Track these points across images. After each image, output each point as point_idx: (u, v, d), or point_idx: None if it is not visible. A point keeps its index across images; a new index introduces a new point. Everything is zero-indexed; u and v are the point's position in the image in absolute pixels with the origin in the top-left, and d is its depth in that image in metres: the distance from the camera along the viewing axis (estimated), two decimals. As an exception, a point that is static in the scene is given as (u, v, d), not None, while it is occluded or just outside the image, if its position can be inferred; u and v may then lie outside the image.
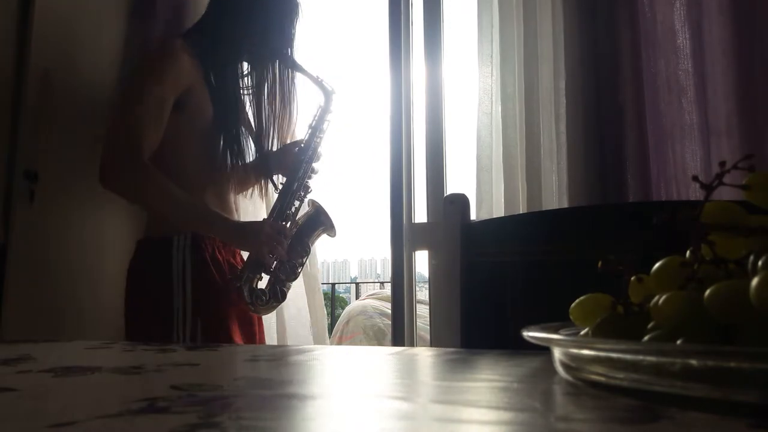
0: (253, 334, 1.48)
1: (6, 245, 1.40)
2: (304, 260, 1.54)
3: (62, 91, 1.53)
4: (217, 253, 1.44)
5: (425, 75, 1.59)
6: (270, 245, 1.44)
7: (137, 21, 1.71)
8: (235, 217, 1.54)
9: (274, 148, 1.60)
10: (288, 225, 1.51)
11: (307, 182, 1.55)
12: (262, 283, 1.49)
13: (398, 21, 1.63)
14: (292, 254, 1.50)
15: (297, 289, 1.78)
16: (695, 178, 0.38)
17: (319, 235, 1.56)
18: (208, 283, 1.38)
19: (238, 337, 1.40)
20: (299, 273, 1.54)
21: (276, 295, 1.47)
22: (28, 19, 1.47)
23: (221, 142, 1.46)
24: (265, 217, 1.55)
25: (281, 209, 1.51)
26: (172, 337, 1.33)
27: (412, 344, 1.57)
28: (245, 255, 1.51)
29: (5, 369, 0.46)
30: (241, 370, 0.47)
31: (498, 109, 1.53)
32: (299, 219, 1.54)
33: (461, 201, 0.95)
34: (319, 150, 1.58)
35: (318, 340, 1.80)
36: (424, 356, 0.54)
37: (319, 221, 1.54)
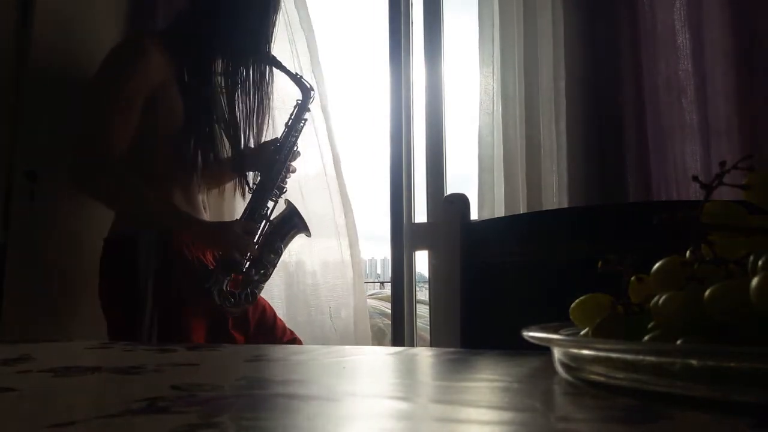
0: (226, 333, 1.45)
1: (6, 245, 1.40)
2: (276, 261, 1.52)
3: (62, 92, 1.53)
4: (186, 250, 1.41)
5: (425, 75, 1.59)
6: (239, 246, 1.43)
7: (137, 21, 1.71)
8: (204, 216, 1.52)
9: (251, 144, 1.58)
10: (261, 225, 1.49)
11: (281, 182, 1.53)
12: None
13: (398, 21, 1.63)
14: (263, 255, 1.48)
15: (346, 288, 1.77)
16: (695, 178, 0.38)
17: (292, 237, 1.54)
18: (171, 282, 1.37)
19: (200, 338, 1.38)
20: (271, 274, 1.52)
21: (247, 297, 1.45)
22: (28, 19, 1.47)
23: (192, 141, 1.44)
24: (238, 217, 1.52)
25: (253, 209, 1.49)
26: (140, 336, 1.31)
27: (412, 344, 1.57)
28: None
29: (5, 369, 0.46)
30: (242, 370, 0.47)
31: (499, 109, 1.53)
32: (274, 219, 1.51)
33: (461, 201, 0.95)
34: (295, 149, 1.56)
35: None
36: (424, 356, 0.54)
37: (292, 222, 1.52)
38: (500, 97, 1.53)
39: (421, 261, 1.57)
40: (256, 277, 1.47)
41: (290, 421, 0.29)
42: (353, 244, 1.76)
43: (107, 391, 0.39)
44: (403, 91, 1.61)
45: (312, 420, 0.30)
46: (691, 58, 1.34)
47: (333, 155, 1.76)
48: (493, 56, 1.56)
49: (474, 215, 0.99)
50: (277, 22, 1.54)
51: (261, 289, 1.50)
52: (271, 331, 1.55)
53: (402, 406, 0.32)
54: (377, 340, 2.64)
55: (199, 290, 1.40)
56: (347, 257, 1.76)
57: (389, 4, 1.65)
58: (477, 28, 1.58)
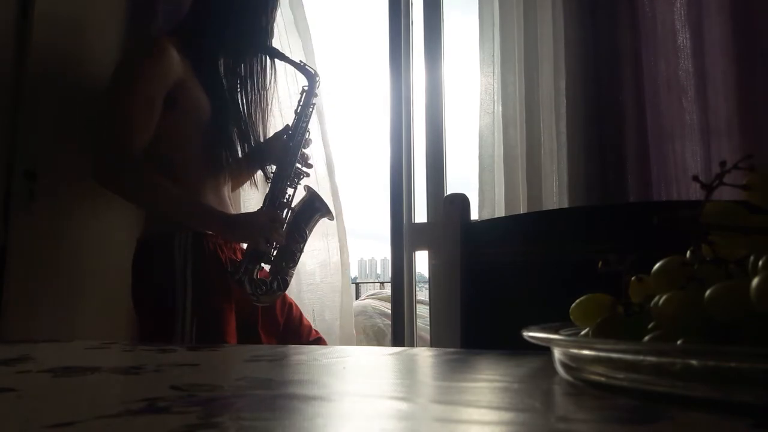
0: (255, 333, 1.47)
1: (6, 245, 1.40)
2: (303, 246, 1.53)
3: (62, 91, 1.53)
4: (219, 251, 1.43)
5: (425, 75, 1.59)
6: (266, 234, 1.44)
7: (137, 21, 1.71)
8: (231, 211, 1.54)
9: (261, 139, 1.59)
10: (283, 212, 1.50)
11: (298, 168, 1.54)
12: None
13: (398, 21, 1.63)
14: (289, 241, 1.49)
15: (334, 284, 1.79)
16: (695, 178, 0.38)
17: (316, 221, 1.55)
18: (208, 282, 1.38)
19: (233, 338, 1.40)
20: (298, 260, 1.53)
21: (278, 284, 1.47)
22: (28, 19, 1.47)
23: (217, 138, 1.46)
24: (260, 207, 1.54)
25: (273, 197, 1.50)
26: (175, 337, 1.33)
27: (412, 344, 1.57)
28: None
29: (5, 369, 0.46)
30: (242, 371, 0.47)
31: (499, 108, 1.53)
32: (295, 206, 1.53)
33: (461, 201, 0.95)
34: (307, 134, 1.57)
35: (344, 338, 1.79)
36: (424, 356, 0.54)
37: (314, 207, 1.53)
38: (500, 96, 1.53)
39: (421, 261, 1.57)
40: (284, 264, 1.48)
41: (290, 421, 0.29)
42: (342, 247, 1.77)
43: (107, 391, 0.39)
44: (403, 91, 1.61)
45: (312, 420, 0.30)
46: (691, 58, 1.34)
47: (326, 157, 1.77)
48: (493, 56, 1.56)
49: (474, 215, 0.99)
50: (275, 16, 1.56)
51: (291, 276, 1.51)
52: (297, 330, 1.56)
53: (402, 406, 0.32)
54: (377, 340, 2.64)
55: (232, 289, 1.41)
56: (335, 259, 1.76)
57: (389, 4, 1.65)
58: (477, 27, 1.58)
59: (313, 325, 1.64)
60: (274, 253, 1.47)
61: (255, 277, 1.43)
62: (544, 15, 1.47)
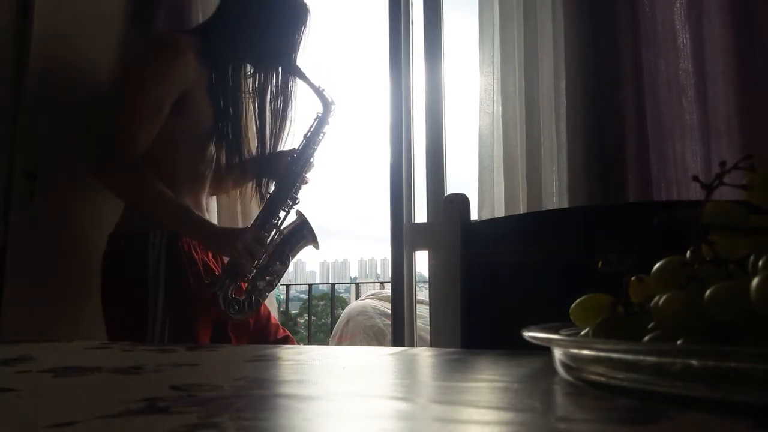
0: (225, 335, 1.46)
1: (6, 245, 1.40)
2: (283, 272, 1.53)
3: (62, 92, 1.53)
4: (193, 251, 1.42)
5: (425, 75, 1.59)
6: (249, 254, 1.43)
7: (138, 21, 1.71)
8: (206, 216, 1.53)
9: (268, 153, 1.59)
10: (271, 234, 1.50)
11: (295, 193, 1.54)
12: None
13: (398, 21, 1.63)
14: (271, 264, 1.49)
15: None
16: (695, 178, 0.38)
17: (301, 248, 1.55)
18: (182, 283, 1.37)
19: (205, 339, 1.39)
20: (276, 284, 1.53)
21: (250, 304, 1.46)
22: (28, 19, 1.47)
23: (215, 142, 1.46)
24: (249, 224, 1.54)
25: (265, 218, 1.50)
26: (146, 336, 1.32)
27: (412, 344, 1.57)
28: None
29: (5, 369, 0.46)
30: (241, 371, 0.47)
31: (499, 109, 1.53)
32: (284, 229, 1.53)
33: (461, 201, 0.95)
34: (311, 161, 1.56)
35: None
36: (424, 356, 0.54)
37: (302, 234, 1.53)
38: (500, 96, 1.53)
39: (421, 261, 1.57)
40: (260, 286, 1.48)
41: (290, 421, 0.29)
42: None
43: (107, 391, 0.39)
44: (403, 91, 1.61)
45: (312, 420, 0.30)
46: (691, 58, 1.33)
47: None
48: (493, 56, 1.55)
49: (474, 215, 0.99)
50: (305, 35, 1.54)
51: (265, 298, 1.51)
52: (265, 328, 1.56)
53: (402, 406, 0.32)
54: (377, 340, 2.64)
55: (206, 292, 1.41)
56: None
57: (389, 4, 1.65)
58: (477, 28, 1.58)
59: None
60: (253, 273, 1.47)
61: (230, 294, 1.43)
62: (544, 15, 1.47)
